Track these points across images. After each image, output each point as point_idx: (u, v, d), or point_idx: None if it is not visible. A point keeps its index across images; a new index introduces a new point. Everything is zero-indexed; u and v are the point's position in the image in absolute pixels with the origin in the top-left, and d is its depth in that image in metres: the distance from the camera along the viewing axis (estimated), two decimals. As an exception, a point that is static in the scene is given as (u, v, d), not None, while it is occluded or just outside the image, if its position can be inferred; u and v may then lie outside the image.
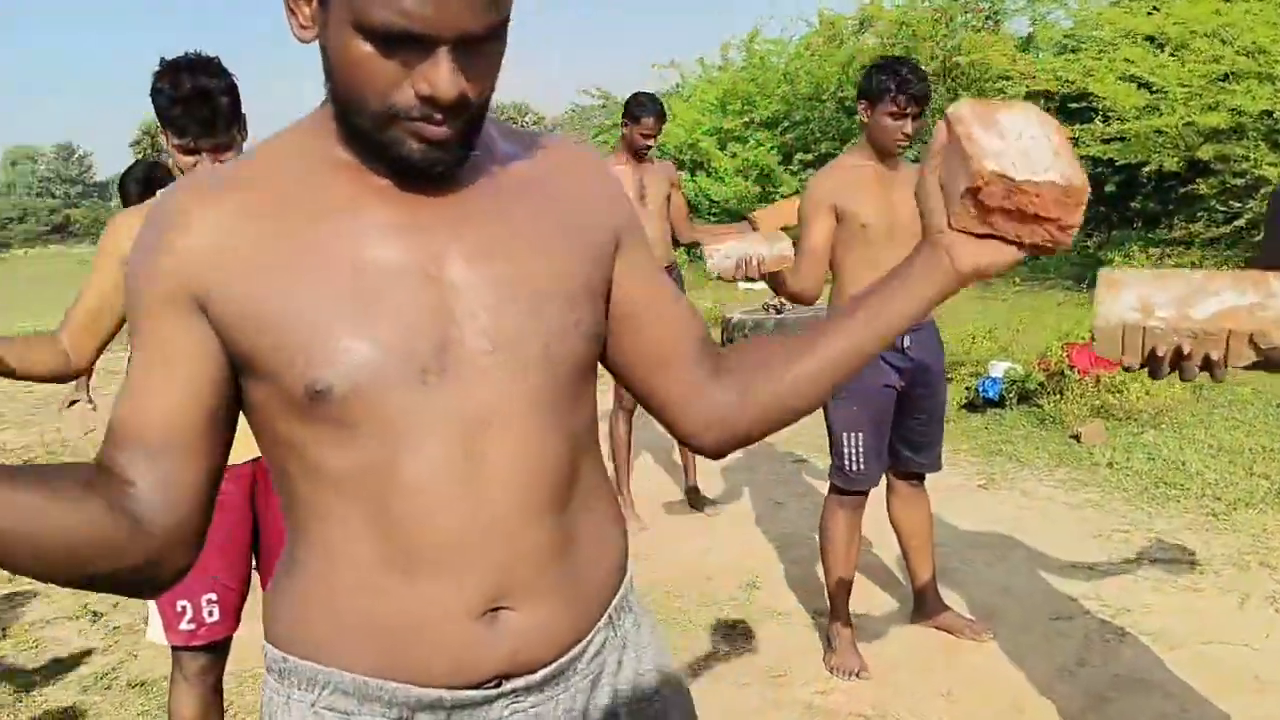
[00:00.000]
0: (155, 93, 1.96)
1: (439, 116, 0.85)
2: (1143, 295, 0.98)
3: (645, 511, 4.57)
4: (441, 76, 0.83)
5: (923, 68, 2.91)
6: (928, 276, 0.96)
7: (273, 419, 0.92)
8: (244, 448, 1.63)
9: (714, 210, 14.21)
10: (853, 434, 3.00)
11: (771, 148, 13.79)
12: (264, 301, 0.88)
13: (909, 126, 2.86)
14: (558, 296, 0.95)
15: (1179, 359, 0.98)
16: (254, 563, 2.31)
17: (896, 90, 2.81)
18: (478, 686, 0.95)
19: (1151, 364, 0.99)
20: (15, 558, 0.80)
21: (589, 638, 1.01)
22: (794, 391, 1.02)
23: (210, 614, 2.20)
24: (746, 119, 14.28)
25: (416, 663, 0.93)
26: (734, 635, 3.35)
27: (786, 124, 13.80)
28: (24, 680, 3.28)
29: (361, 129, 0.88)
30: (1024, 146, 0.90)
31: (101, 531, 0.84)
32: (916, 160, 3.20)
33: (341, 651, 0.94)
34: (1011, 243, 0.92)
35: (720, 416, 1.05)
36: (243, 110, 2.05)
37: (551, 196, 1.00)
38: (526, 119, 45.19)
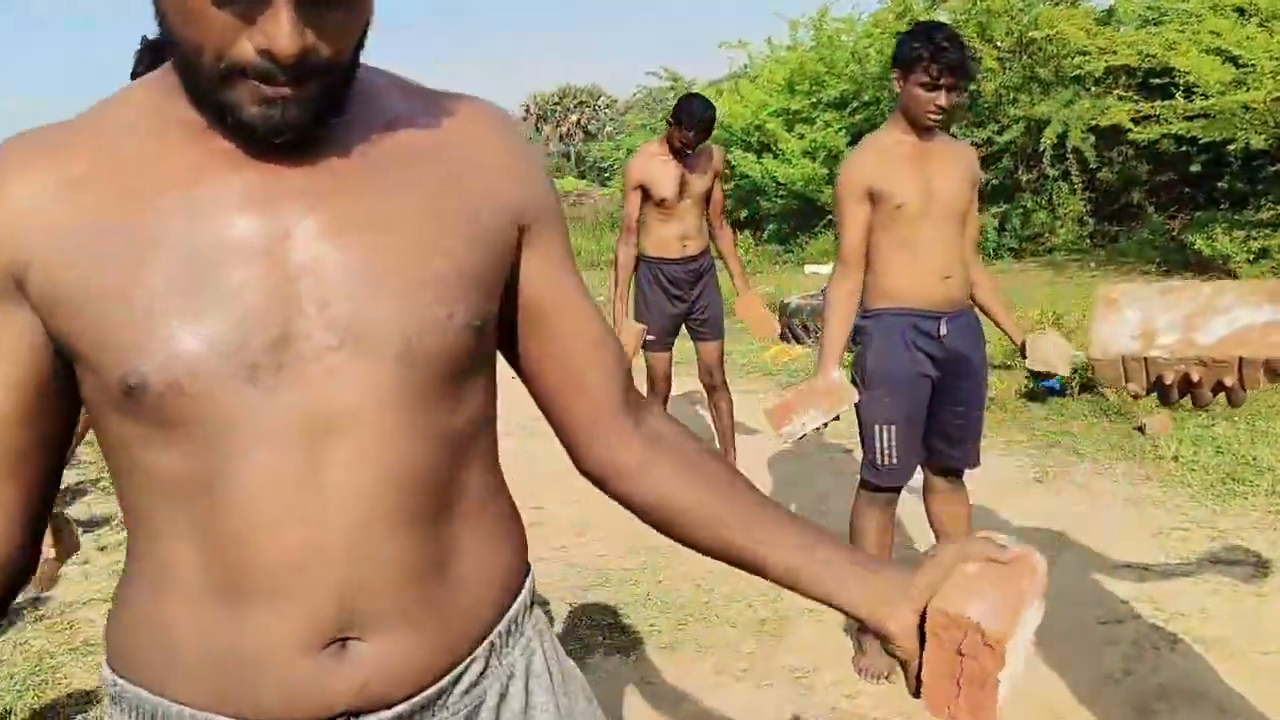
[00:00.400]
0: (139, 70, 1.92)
1: (282, 76, 0.74)
2: (1144, 317, 0.87)
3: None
4: (281, 29, 0.72)
5: (960, 36, 2.70)
6: (861, 588, 0.89)
7: (103, 416, 0.83)
8: None
9: (780, 193, 13.98)
10: (884, 427, 2.86)
11: (840, 129, 13.48)
12: (83, 283, 0.78)
13: (943, 99, 2.67)
14: (428, 283, 0.83)
15: (1189, 386, 0.88)
16: None
17: (930, 59, 2.63)
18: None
19: (1159, 391, 0.89)
20: None
21: (462, 668, 0.90)
22: (688, 522, 0.96)
23: None
24: (814, 99, 13.98)
25: (251, 699, 0.83)
26: (762, 633, 3.23)
27: (855, 104, 13.45)
28: (54, 662, 3.31)
29: (200, 88, 0.77)
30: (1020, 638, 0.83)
31: None
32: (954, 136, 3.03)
33: (172, 681, 0.85)
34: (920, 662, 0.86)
35: (616, 470, 0.99)
36: None
37: (440, 169, 0.87)
38: (599, 102, 45.12)
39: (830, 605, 0.90)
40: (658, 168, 4.27)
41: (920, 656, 0.85)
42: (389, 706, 0.86)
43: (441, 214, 0.86)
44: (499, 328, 0.95)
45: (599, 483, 1.01)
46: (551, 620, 3.37)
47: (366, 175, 0.84)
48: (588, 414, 0.98)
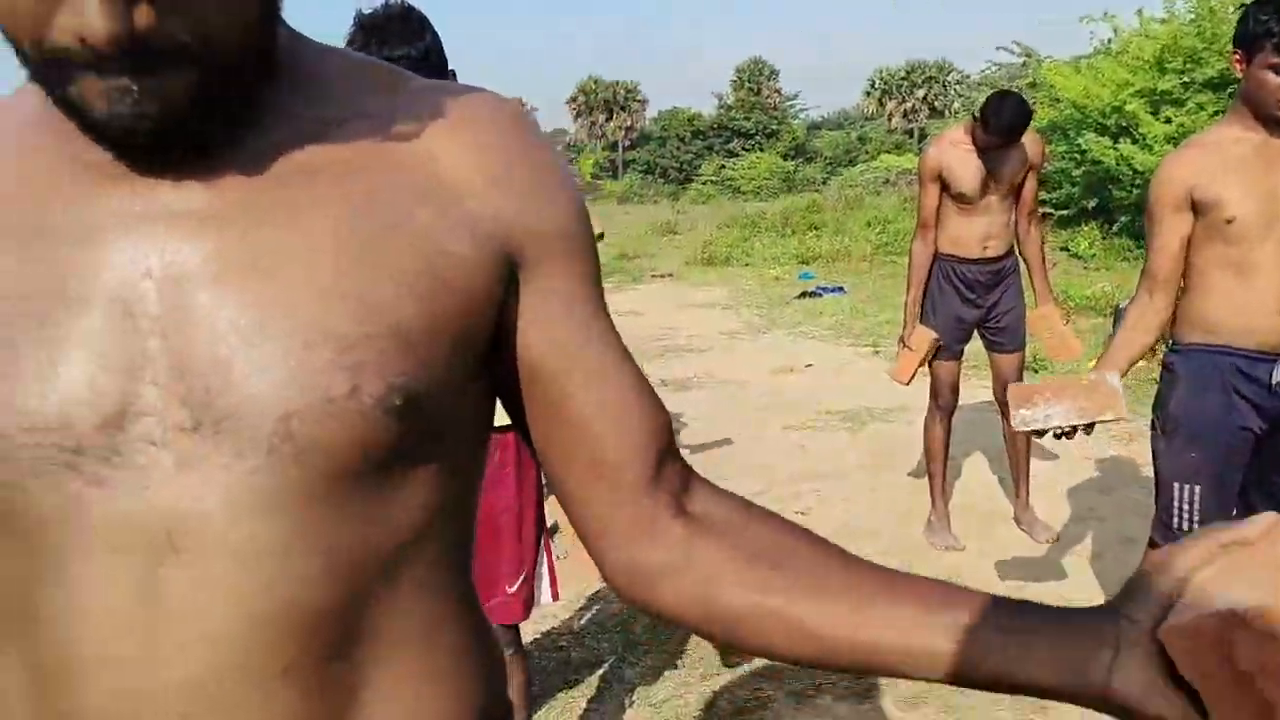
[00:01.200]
0: None
1: (114, 64, 0.55)
2: None
3: (962, 527, 4.07)
4: (86, 5, 0.53)
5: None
6: (1081, 665, 0.62)
7: None
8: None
9: (1136, 183, 12.60)
10: (1185, 486, 2.37)
11: (1214, 113, 11.91)
12: None
13: None
14: (324, 345, 0.60)
15: None
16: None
17: None
18: None
19: None
20: None
21: None
22: (769, 626, 0.70)
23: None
24: (1187, 79, 12.44)
25: None
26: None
27: (1235, 86, 11.85)
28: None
29: (41, 84, 0.59)
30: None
31: None
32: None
33: None
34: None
35: (643, 570, 0.73)
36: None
37: (386, 186, 0.65)
38: (948, 78, 43.13)
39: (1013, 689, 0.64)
40: (958, 159, 3.82)
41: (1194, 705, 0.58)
42: None
43: (369, 248, 0.63)
44: (505, 393, 0.74)
45: (627, 594, 0.75)
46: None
47: (274, 198, 0.63)
48: (605, 500, 0.72)
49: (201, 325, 0.60)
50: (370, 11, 1.87)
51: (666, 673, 3.10)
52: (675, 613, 0.72)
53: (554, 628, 3.42)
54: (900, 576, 0.69)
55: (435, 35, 1.89)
